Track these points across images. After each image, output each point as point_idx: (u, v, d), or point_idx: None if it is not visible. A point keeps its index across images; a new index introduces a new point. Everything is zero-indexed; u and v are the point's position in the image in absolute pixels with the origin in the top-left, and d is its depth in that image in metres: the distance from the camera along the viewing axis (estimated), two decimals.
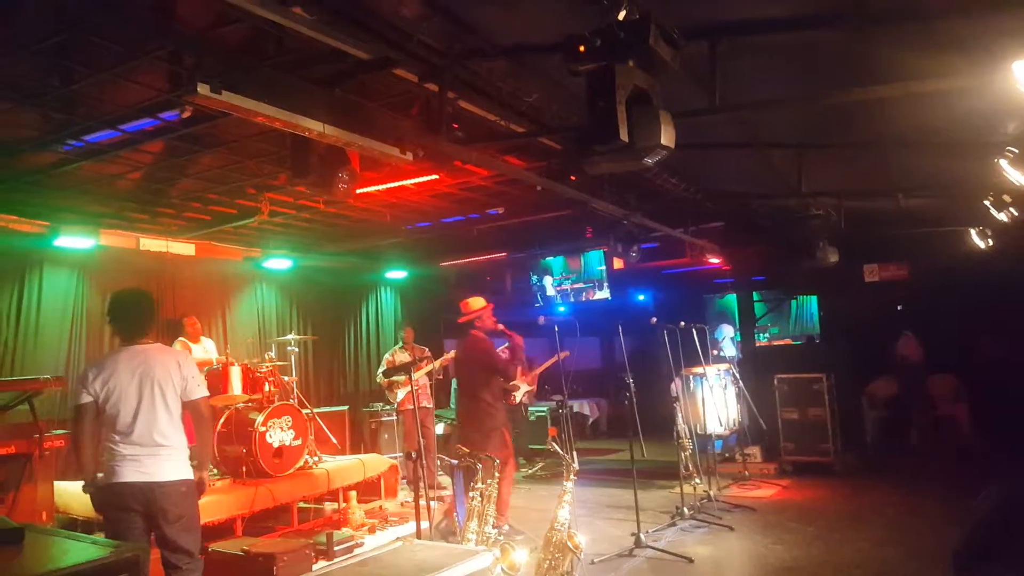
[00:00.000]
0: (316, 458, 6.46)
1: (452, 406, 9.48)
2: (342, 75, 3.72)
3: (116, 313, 3.56)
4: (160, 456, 3.33)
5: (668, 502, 6.53)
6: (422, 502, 3.81)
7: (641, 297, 11.91)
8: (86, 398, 3.33)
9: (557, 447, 4.44)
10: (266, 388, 6.33)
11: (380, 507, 6.68)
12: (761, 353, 10.10)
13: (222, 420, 6.00)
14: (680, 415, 6.88)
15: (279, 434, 6.01)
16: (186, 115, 4.30)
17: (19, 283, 6.21)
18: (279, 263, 8.24)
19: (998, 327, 8.17)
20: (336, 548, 5.04)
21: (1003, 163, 4.85)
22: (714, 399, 7.65)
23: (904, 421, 8.91)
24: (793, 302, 12.91)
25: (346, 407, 8.27)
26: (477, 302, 5.65)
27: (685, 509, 6.02)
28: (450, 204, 7.20)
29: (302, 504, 6.22)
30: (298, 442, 6.17)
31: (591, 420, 12.04)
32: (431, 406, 7.94)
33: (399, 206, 7.12)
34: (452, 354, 7.26)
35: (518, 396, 7.30)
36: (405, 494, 7.09)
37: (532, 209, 7.30)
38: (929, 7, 3.17)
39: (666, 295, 11.57)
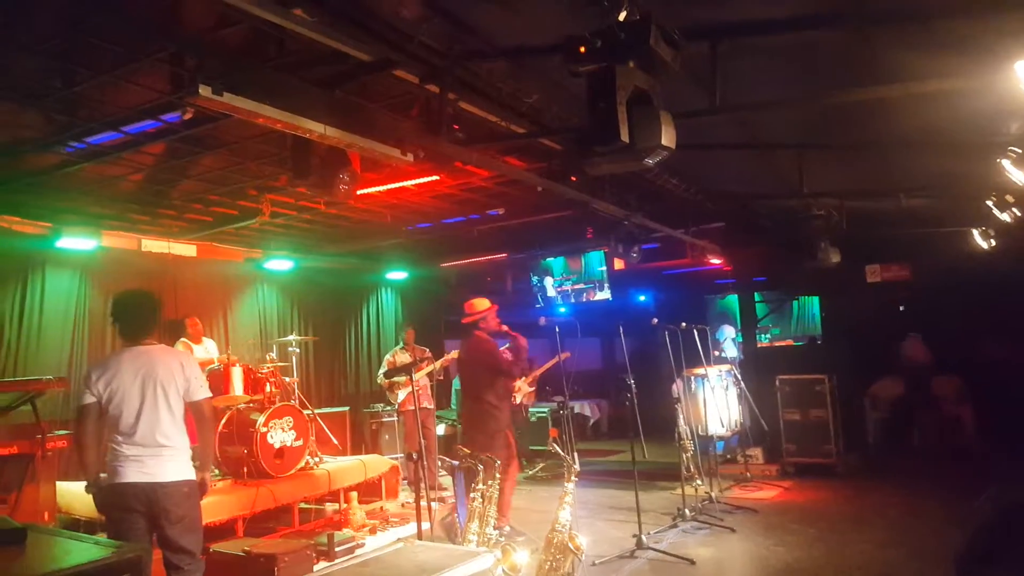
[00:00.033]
0: (317, 459, 6.47)
1: (453, 407, 9.49)
2: (343, 76, 3.73)
3: (120, 314, 3.57)
4: (163, 457, 3.34)
5: (669, 503, 6.52)
6: (423, 503, 3.81)
7: (642, 298, 11.89)
8: (89, 398, 3.34)
9: (558, 448, 4.43)
10: (267, 389, 6.35)
11: (381, 508, 6.69)
12: (763, 354, 10.09)
13: (223, 421, 6.01)
14: (681, 416, 6.87)
15: (280, 435, 6.01)
16: (187, 117, 4.31)
17: (21, 284, 6.23)
18: (280, 264, 8.25)
19: (1000, 328, 8.16)
20: (337, 549, 5.05)
21: (1005, 163, 4.85)
22: (715, 400, 7.64)
23: (907, 422, 8.90)
24: (795, 303, 12.89)
25: (347, 408, 8.28)
26: (482, 303, 5.65)
27: (687, 510, 6.01)
28: (451, 205, 7.21)
29: (303, 505, 6.22)
30: (299, 443, 6.17)
31: (592, 421, 12.04)
32: (432, 407, 7.94)
33: (400, 207, 7.13)
34: (453, 355, 7.26)
35: (519, 397, 7.31)
36: (406, 495, 7.09)
37: (533, 210, 7.30)
38: (930, 7, 3.17)
39: (667, 296, 11.55)
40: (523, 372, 6.66)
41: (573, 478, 4.23)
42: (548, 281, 10.67)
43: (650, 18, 2.72)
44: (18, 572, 1.99)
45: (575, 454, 4.57)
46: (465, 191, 6.69)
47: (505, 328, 5.64)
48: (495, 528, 4.18)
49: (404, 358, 7.76)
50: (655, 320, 6.88)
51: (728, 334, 11.28)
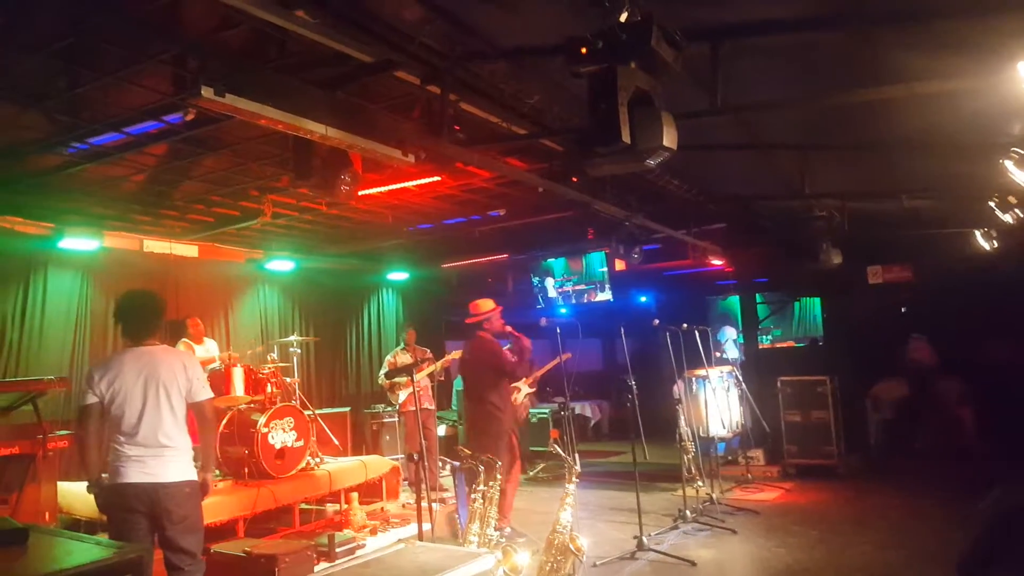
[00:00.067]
0: (318, 459, 6.47)
1: (454, 408, 9.50)
2: (344, 78, 3.74)
3: (123, 314, 3.57)
4: (164, 457, 3.34)
5: (670, 505, 6.52)
6: (424, 504, 3.81)
7: (643, 299, 11.87)
8: (91, 399, 3.35)
9: (559, 449, 4.43)
10: (268, 389, 6.35)
11: (382, 509, 6.69)
12: (764, 355, 10.07)
13: (224, 421, 6.02)
14: (683, 417, 6.86)
15: (281, 435, 6.02)
16: (190, 118, 4.32)
17: (24, 284, 6.25)
18: (281, 265, 8.26)
19: (1002, 329, 8.14)
20: (338, 550, 5.05)
21: (1008, 164, 4.83)
22: (717, 401, 7.63)
23: (909, 424, 8.88)
24: (796, 304, 12.86)
25: (348, 408, 8.29)
26: (486, 304, 5.65)
27: (688, 512, 6.01)
28: (452, 206, 7.21)
29: (304, 505, 6.23)
30: (300, 443, 6.18)
31: (593, 422, 12.03)
32: (433, 407, 7.95)
33: (401, 208, 7.13)
34: (454, 355, 7.26)
35: (519, 397, 7.30)
36: (407, 496, 7.10)
37: (534, 211, 7.30)
38: (931, 7, 3.16)
39: (668, 297, 11.54)
40: (527, 373, 6.64)
41: (574, 479, 4.23)
42: (549, 282, 10.66)
43: (651, 19, 2.73)
44: (20, 572, 1.99)
45: (576, 455, 4.57)
46: (466, 192, 6.69)
47: (509, 329, 5.64)
48: (496, 529, 4.18)
49: (405, 359, 7.76)
50: (656, 321, 6.87)
51: (729, 335, 11.25)
